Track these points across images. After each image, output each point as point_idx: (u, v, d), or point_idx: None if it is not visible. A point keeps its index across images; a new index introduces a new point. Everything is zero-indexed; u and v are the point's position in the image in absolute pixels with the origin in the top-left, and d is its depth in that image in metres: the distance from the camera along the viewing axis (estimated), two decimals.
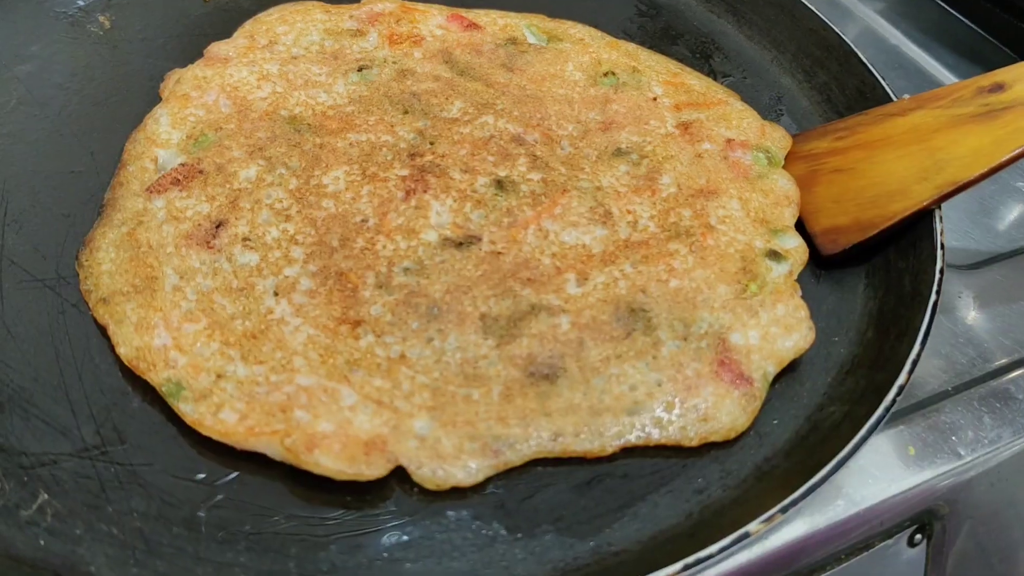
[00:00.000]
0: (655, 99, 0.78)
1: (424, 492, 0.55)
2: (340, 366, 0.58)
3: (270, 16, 0.83)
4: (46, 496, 0.52)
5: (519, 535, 0.53)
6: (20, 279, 0.62)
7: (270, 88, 0.75)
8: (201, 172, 0.68)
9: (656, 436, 0.58)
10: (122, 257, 0.63)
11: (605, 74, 0.80)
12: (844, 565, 0.61)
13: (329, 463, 0.53)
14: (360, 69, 0.78)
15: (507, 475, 0.56)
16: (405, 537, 0.53)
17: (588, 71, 0.80)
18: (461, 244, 0.65)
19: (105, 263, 0.63)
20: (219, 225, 0.65)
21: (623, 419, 0.58)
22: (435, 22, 0.83)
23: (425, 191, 0.68)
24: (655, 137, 0.75)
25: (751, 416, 0.60)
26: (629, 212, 0.69)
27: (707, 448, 0.58)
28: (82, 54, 0.78)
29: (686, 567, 0.49)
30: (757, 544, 0.57)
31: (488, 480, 0.55)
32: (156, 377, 0.57)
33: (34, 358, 0.58)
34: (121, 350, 0.58)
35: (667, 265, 0.66)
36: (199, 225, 0.65)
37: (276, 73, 0.77)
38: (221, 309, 0.60)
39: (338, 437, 0.54)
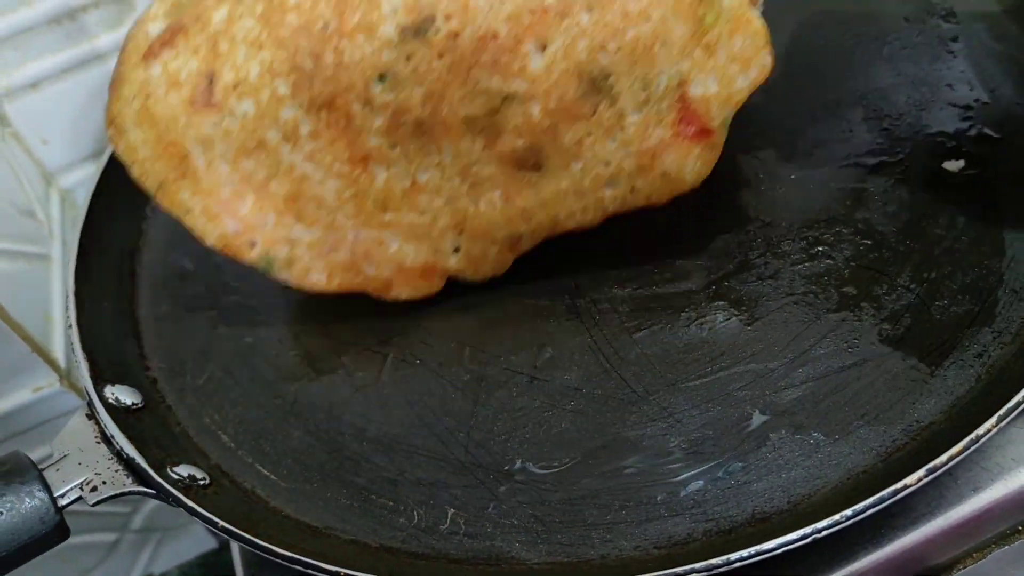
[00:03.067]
0: None
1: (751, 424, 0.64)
2: (372, 211, 0.66)
3: None
4: (453, 510, 0.63)
5: (836, 436, 0.61)
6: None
7: None
8: (182, 28, 0.67)
9: (631, 202, 0.67)
10: (148, 136, 0.65)
11: None
12: None
13: (404, 295, 0.69)
14: None
15: (810, 390, 0.64)
16: (741, 464, 0.62)
17: None
18: (418, 31, 0.63)
19: (139, 147, 0.65)
20: (211, 80, 0.64)
21: (603, 191, 0.66)
22: None
23: None
24: None
25: (711, 165, 0.66)
26: None
27: (974, 320, 0.64)
28: None
29: (1018, 404, 0.55)
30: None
31: (802, 399, 0.63)
32: (249, 257, 0.65)
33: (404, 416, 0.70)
34: (208, 241, 0.65)
35: (623, 9, 0.62)
36: (196, 86, 0.65)
37: None
38: (253, 175, 0.64)
39: (401, 275, 0.68)
